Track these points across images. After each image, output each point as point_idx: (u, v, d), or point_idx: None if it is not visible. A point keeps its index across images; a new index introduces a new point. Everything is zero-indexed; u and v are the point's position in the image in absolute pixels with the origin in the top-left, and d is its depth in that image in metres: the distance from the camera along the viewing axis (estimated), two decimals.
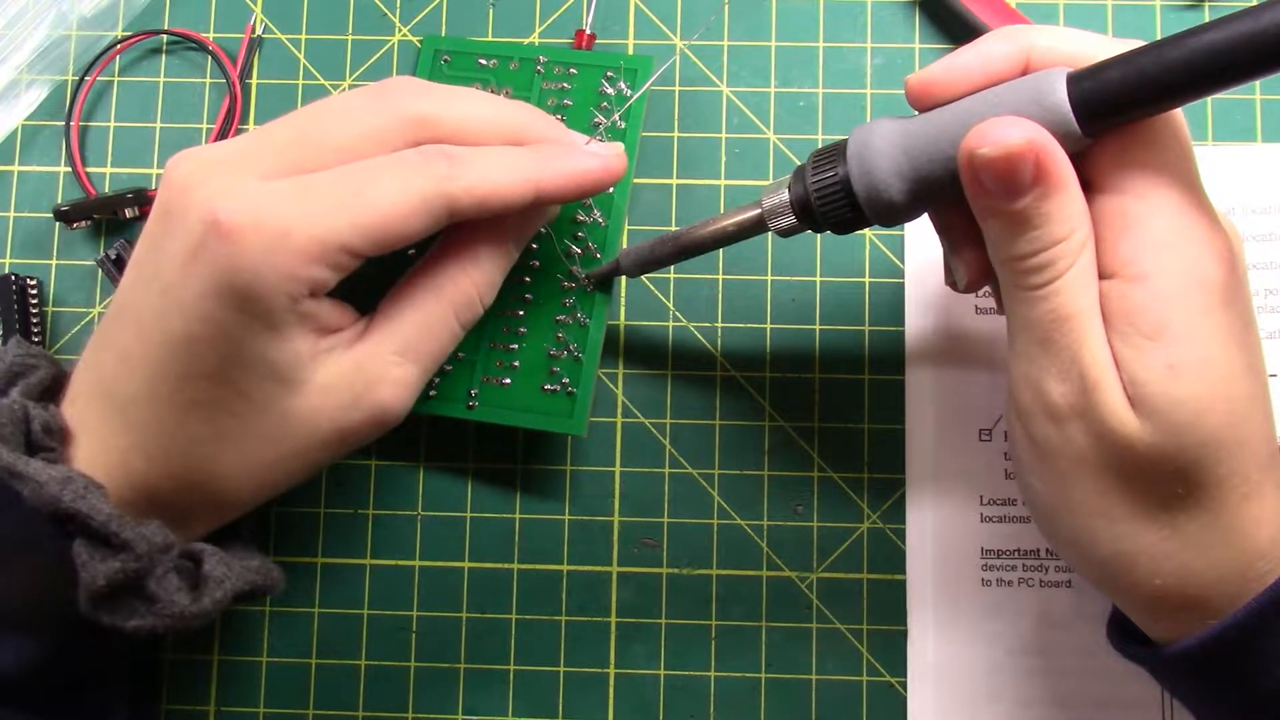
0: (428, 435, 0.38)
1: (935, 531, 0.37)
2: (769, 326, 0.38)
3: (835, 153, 0.30)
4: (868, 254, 0.38)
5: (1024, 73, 0.28)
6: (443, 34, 0.40)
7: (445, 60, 0.38)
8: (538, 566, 0.38)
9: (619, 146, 0.33)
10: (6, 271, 0.39)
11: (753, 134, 0.39)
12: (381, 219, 0.28)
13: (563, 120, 0.38)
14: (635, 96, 0.37)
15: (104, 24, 0.40)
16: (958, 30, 0.39)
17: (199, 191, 0.28)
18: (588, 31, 0.39)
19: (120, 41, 0.40)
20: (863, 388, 0.38)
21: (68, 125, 0.39)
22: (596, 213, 0.37)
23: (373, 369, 0.31)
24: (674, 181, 0.39)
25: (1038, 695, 0.36)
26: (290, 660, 0.37)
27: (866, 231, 0.38)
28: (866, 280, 0.38)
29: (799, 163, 0.39)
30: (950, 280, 0.32)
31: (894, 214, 0.29)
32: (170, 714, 0.37)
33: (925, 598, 0.36)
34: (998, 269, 0.28)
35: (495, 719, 0.37)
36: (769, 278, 0.38)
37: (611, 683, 0.37)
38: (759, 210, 0.32)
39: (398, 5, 0.40)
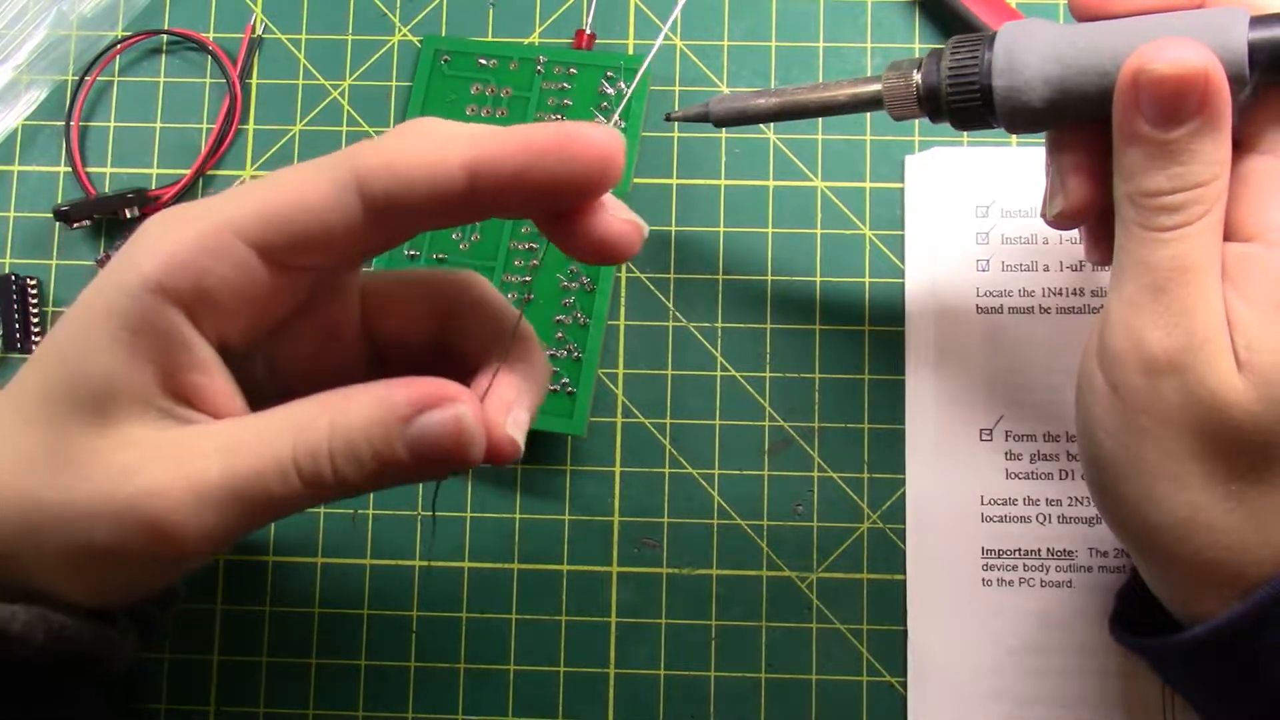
0: None
1: (935, 531, 0.37)
2: (769, 326, 0.38)
3: (981, 40, 0.28)
4: (868, 254, 0.38)
5: (1199, 7, 0.27)
6: (443, 34, 0.40)
7: (445, 60, 0.39)
8: (538, 566, 0.38)
9: (615, 133, 0.24)
10: (6, 271, 0.39)
11: (753, 134, 0.39)
12: (286, 197, 0.24)
13: (561, 120, 0.38)
14: (631, 88, 0.37)
15: (104, 24, 0.40)
16: (958, 30, 0.38)
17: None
18: (588, 31, 0.39)
19: (120, 41, 0.40)
20: (863, 387, 0.38)
21: (68, 125, 0.39)
22: None
23: (173, 449, 0.24)
24: (674, 181, 0.39)
25: (1038, 695, 0.36)
26: (290, 660, 0.37)
27: (867, 231, 0.38)
28: (866, 280, 0.38)
29: (798, 162, 0.39)
30: (1046, 209, 0.30)
31: (1025, 118, 0.28)
32: (170, 714, 0.37)
33: (925, 598, 0.36)
34: (1122, 204, 0.27)
35: (495, 719, 0.37)
36: (769, 278, 0.38)
37: (611, 683, 0.37)
38: (878, 85, 0.30)
39: (398, 5, 0.40)
